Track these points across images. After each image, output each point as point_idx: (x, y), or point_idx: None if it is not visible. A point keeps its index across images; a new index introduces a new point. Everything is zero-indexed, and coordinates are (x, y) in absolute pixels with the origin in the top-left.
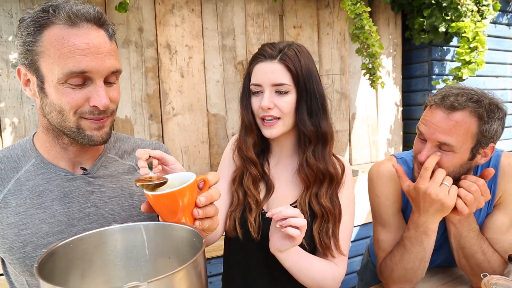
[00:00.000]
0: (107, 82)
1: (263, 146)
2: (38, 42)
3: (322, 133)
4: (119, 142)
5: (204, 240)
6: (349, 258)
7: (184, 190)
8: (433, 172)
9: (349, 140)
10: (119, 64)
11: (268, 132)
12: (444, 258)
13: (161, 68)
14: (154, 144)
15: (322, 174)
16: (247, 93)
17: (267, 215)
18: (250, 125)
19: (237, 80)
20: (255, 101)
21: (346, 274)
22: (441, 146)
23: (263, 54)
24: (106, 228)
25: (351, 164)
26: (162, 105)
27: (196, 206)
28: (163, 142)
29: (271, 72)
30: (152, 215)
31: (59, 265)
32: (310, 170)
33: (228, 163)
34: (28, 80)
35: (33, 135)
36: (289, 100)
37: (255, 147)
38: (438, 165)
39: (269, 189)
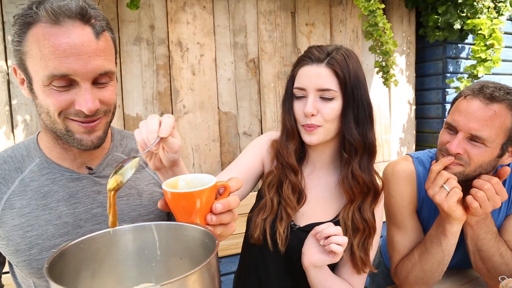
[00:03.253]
0: (97, 83)
1: (300, 153)
2: (23, 41)
3: (369, 144)
4: (125, 139)
5: (217, 241)
6: None
7: (202, 192)
8: None
9: None
10: (109, 65)
11: (308, 138)
12: (459, 259)
13: (173, 66)
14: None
15: (367, 187)
16: (289, 96)
17: (311, 233)
18: (293, 130)
19: (249, 78)
20: (297, 106)
21: None
22: (472, 138)
23: (309, 57)
24: (117, 227)
25: None
26: (173, 103)
27: (211, 211)
28: None
29: (317, 77)
30: (161, 214)
31: (69, 266)
32: (356, 182)
33: (256, 154)
34: (23, 79)
35: (38, 134)
36: (334, 107)
37: (295, 154)
38: (469, 157)
39: (301, 200)
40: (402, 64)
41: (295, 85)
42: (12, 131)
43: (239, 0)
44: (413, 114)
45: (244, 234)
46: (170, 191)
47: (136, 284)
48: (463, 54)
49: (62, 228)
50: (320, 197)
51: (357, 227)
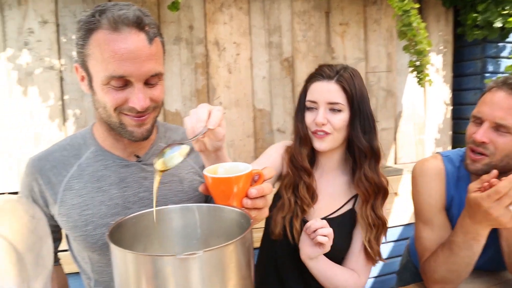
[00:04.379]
0: (148, 83)
1: (311, 158)
2: (86, 45)
3: (375, 150)
4: (169, 132)
5: (251, 220)
6: (390, 258)
7: (239, 178)
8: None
9: (395, 139)
10: (159, 67)
11: (318, 145)
12: (488, 259)
13: (210, 64)
14: None
15: (377, 187)
16: (302, 108)
17: (303, 230)
18: (306, 137)
19: (283, 77)
20: (309, 116)
21: (385, 275)
22: (498, 127)
23: (321, 74)
24: (164, 207)
25: (395, 163)
26: (210, 100)
27: (247, 196)
28: None
29: (328, 91)
30: (200, 201)
31: (124, 237)
32: (369, 183)
33: (275, 158)
34: (83, 77)
35: (93, 125)
36: (342, 118)
37: (308, 158)
38: (495, 146)
39: (313, 199)
40: (439, 63)
41: (308, 98)
42: (64, 124)
43: (274, 1)
44: (449, 115)
45: (263, 231)
46: (210, 176)
47: None
48: (504, 53)
49: (113, 209)
50: (328, 196)
51: (373, 224)
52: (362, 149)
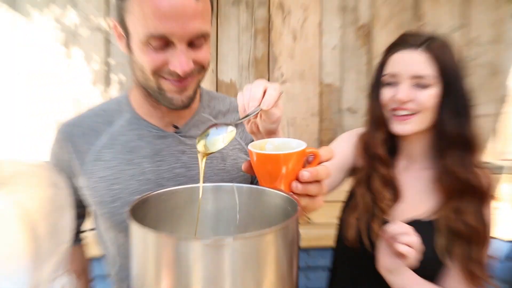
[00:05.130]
0: (192, 44)
1: (390, 146)
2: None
3: (466, 138)
4: (214, 101)
5: (298, 207)
6: None
7: (289, 156)
8: None
9: (497, 128)
10: (206, 27)
11: (399, 128)
12: None
13: (272, 30)
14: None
15: (466, 186)
16: (378, 84)
17: (381, 235)
18: (380, 119)
19: (357, 47)
20: (386, 92)
21: None
22: None
23: (405, 42)
24: (198, 184)
25: (496, 159)
26: (271, 71)
27: (298, 179)
28: None
29: (412, 63)
30: (244, 183)
31: (149, 215)
32: (452, 179)
33: (348, 146)
34: (121, 35)
35: (130, 90)
36: (431, 94)
37: (383, 145)
38: None
39: (396, 197)
40: None
41: (386, 71)
42: (106, 90)
43: None
44: None
45: (337, 234)
46: (256, 152)
47: None
48: None
49: (144, 185)
50: (415, 194)
51: (458, 231)
52: (448, 135)
